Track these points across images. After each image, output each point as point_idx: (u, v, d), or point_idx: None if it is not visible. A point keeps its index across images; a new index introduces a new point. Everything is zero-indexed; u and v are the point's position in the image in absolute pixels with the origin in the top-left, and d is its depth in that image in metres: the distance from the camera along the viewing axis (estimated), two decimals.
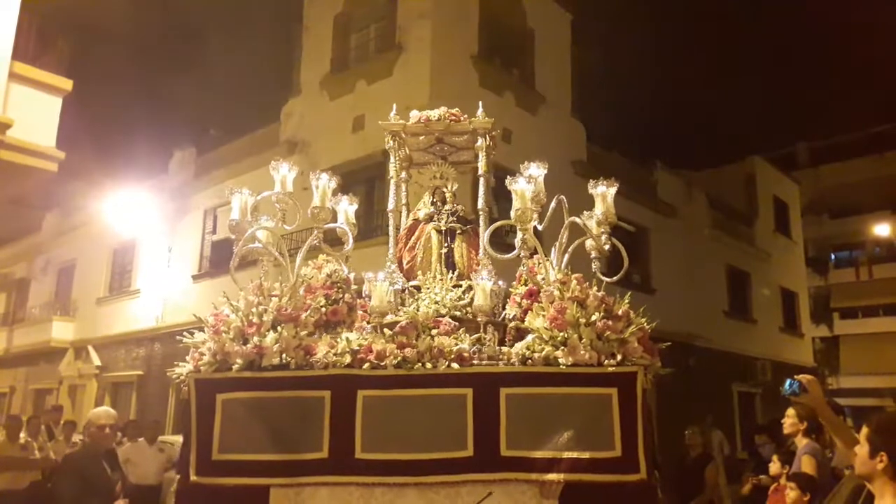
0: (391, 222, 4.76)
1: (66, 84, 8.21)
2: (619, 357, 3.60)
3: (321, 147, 14.59)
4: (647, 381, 3.63)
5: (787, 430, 5.61)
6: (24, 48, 7.88)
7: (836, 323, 29.82)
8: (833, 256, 31.29)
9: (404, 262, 4.70)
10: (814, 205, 28.97)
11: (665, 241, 18.38)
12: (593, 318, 3.66)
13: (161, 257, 18.12)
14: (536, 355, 3.63)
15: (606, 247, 4.01)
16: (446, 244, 4.67)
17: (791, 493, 4.91)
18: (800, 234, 26.61)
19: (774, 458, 6.04)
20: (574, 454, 3.47)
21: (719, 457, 11.41)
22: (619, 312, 3.73)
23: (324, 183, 4.06)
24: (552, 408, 3.57)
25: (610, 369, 3.57)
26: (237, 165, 15.31)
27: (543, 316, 3.76)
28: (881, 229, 24.68)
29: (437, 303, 4.25)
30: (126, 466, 8.14)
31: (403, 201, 5.21)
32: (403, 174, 5.16)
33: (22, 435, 9.11)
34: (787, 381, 3.34)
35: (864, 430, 2.75)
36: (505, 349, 3.76)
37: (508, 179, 4.03)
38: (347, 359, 3.69)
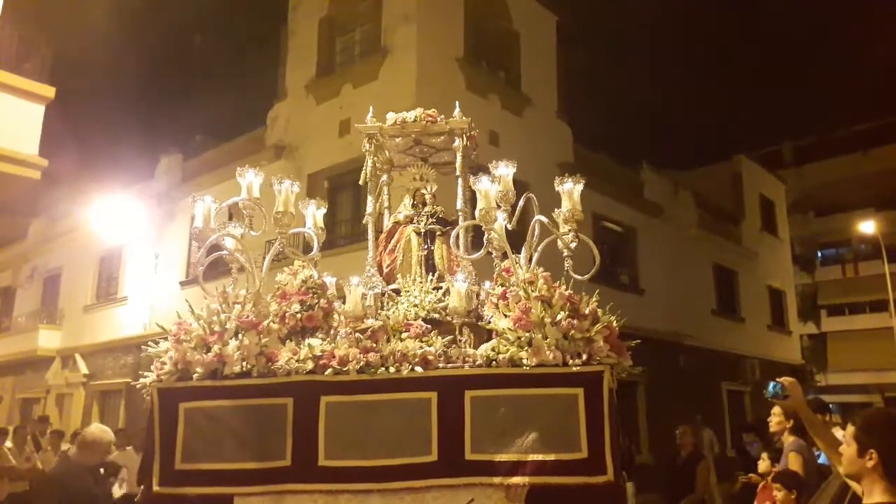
0: (370, 226, 4.74)
1: (49, 91, 8.14)
2: (584, 356, 3.55)
3: (308, 151, 14.57)
4: (614, 380, 3.57)
5: (773, 428, 5.64)
6: (6, 55, 7.82)
7: (823, 320, 30.05)
8: (819, 254, 31.53)
9: (384, 265, 4.67)
10: (800, 203, 29.20)
11: (652, 240, 18.46)
12: (559, 317, 3.60)
13: (148, 264, 18.01)
14: (501, 356, 3.58)
15: (573, 244, 3.95)
16: (426, 246, 4.64)
17: (778, 494, 4.93)
18: (786, 233, 26.78)
19: (763, 456, 6.07)
20: (539, 456, 3.42)
21: (710, 455, 11.44)
22: (586, 311, 3.67)
23: (286, 188, 4.05)
24: (517, 410, 3.52)
25: (575, 369, 3.52)
26: (224, 170, 15.21)
27: (508, 316, 3.72)
28: (866, 226, 24.82)
29: (415, 306, 4.22)
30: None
31: (386, 204, 5.20)
32: (385, 177, 5.16)
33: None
34: (770, 384, 3.36)
35: (850, 428, 2.72)
36: (470, 351, 3.71)
37: (472, 179, 4.00)
38: (310, 365, 3.65)
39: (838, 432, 5.15)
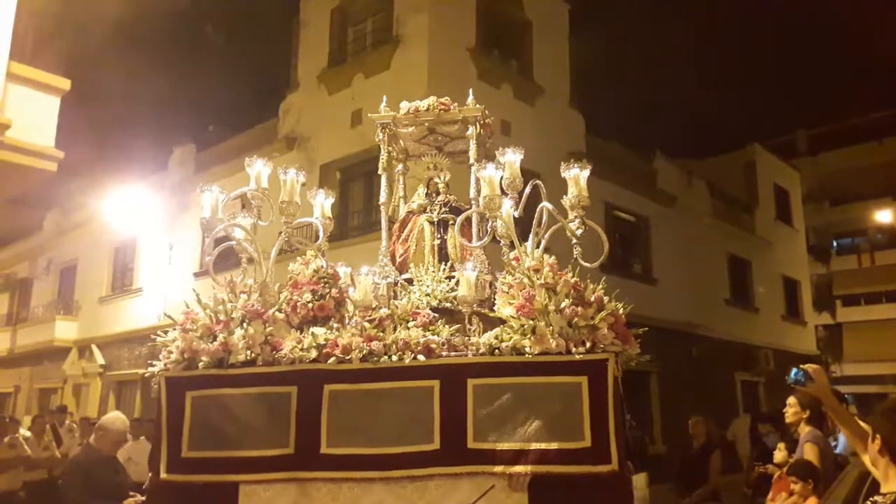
0: (383, 215, 4.75)
1: (64, 83, 8.17)
2: (588, 344, 3.50)
3: (320, 142, 14.59)
4: (619, 368, 3.53)
5: (789, 418, 5.62)
6: (22, 48, 7.85)
7: (838, 310, 29.75)
8: (835, 244, 31.22)
9: (398, 255, 4.68)
10: (814, 192, 28.90)
11: (666, 230, 18.36)
12: (563, 304, 3.56)
13: (162, 255, 18.13)
14: (504, 345, 3.55)
15: (579, 231, 3.90)
16: (439, 235, 4.64)
17: (795, 486, 4.92)
18: (801, 222, 26.54)
19: (780, 446, 6.05)
20: (542, 445, 3.39)
21: (747, 441, 11.28)
22: (592, 298, 3.62)
23: (291, 177, 4.06)
24: (520, 398, 3.49)
25: (578, 357, 3.48)
26: (236, 161, 15.21)
27: (512, 304, 3.69)
28: (882, 216, 24.63)
29: (427, 295, 4.22)
30: (128, 465, 8.20)
31: (401, 194, 5.19)
32: (400, 167, 5.16)
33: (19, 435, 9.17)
34: (793, 370, 3.31)
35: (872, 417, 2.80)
36: (473, 339, 3.69)
37: (476, 166, 3.97)
38: (313, 353, 3.67)
39: (860, 423, 5.13)
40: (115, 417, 5.73)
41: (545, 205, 4.01)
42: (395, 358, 3.62)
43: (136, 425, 10.38)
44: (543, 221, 4.04)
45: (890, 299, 28.57)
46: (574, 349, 3.50)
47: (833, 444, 5.79)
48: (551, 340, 3.50)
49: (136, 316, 18.66)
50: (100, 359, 19.59)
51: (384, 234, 4.71)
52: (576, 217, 3.91)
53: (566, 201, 3.99)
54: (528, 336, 3.54)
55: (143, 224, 18.01)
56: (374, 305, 3.91)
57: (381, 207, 4.78)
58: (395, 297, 4.28)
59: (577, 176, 3.95)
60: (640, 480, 8.93)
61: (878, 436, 2.64)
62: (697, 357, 18.13)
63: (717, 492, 8.28)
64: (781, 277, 24.17)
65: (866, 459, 2.86)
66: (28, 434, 9.66)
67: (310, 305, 4.03)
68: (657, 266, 17.95)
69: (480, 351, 3.61)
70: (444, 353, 3.64)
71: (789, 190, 25.98)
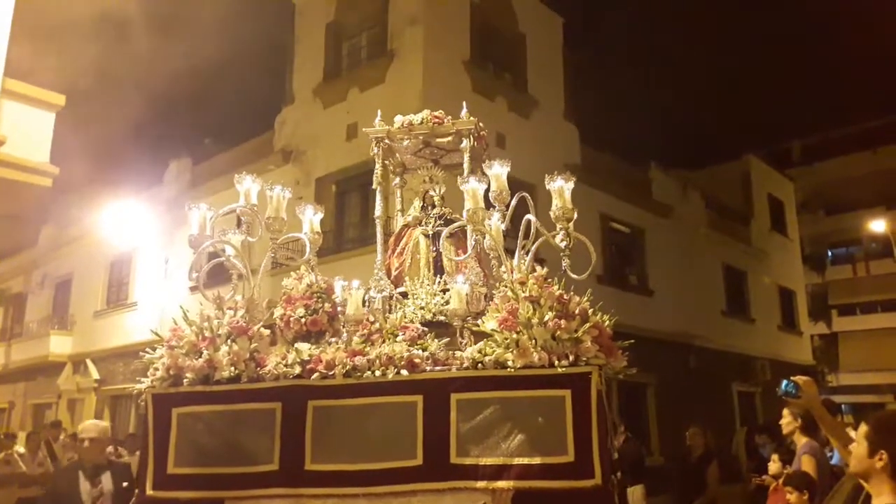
0: (378, 229, 4.76)
1: (59, 99, 8.18)
2: (571, 357, 3.47)
3: (316, 155, 14.62)
4: (602, 381, 3.48)
5: (785, 430, 5.62)
6: (16, 64, 7.87)
7: (834, 320, 29.80)
8: (830, 253, 31.30)
9: (393, 268, 4.67)
10: (809, 202, 29.04)
11: (661, 241, 18.41)
12: (546, 317, 3.53)
13: (158, 269, 18.10)
14: (488, 359, 3.53)
15: (563, 244, 3.87)
16: (434, 248, 4.61)
17: (791, 497, 4.91)
18: (796, 232, 26.65)
19: (774, 457, 6.05)
20: (524, 460, 3.36)
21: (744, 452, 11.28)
22: (577, 311, 3.57)
23: (277, 193, 4.07)
24: (503, 412, 3.46)
25: (561, 370, 3.45)
26: (233, 175, 15.26)
27: (496, 318, 3.66)
28: (877, 225, 24.70)
29: (422, 308, 4.22)
30: None
31: (398, 207, 5.20)
32: (398, 180, 5.17)
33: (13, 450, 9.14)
34: (783, 383, 3.33)
35: (863, 428, 2.74)
36: (457, 353, 3.66)
37: (459, 179, 3.97)
38: (297, 370, 3.67)
39: (851, 433, 5.13)
40: (85, 423, 5.66)
41: (529, 217, 3.98)
42: (378, 373, 3.60)
43: (131, 441, 10.34)
44: (531, 234, 4.01)
45: (885, 308, 28.62)
46: (557, 362, 3.47)
47: (829, 454, 5.78)
48: (534, 354, 3.47)
49: (131, 330, 18.59)
50: (94, 373, 19.51)
51: (380, 247, 4.71)
52: (561, 229, 3.88)
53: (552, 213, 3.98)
54: (512, 349, 3.51)
55: (139, 238, 17.99)
56: (370, 320, 3.90)
57: (377, 221, 4.78)
58: (391, 311, 4.27)
59: (561, 188, 3.92)
60: (637, 492, 8.93)
61: (882, 452, 2.61)
62: (694, 368, 18.14)
63: (715, 502, 8.27)
64: (777, 287, 24.22)
65: (851, 468, 2.85)
66: (23, 450, 9.62)
67: (303, 320, 4.02)
68: (653, 277, 17.98)
69: (464, 365, 3.58)
70: (428, 368, 3.62)
71: (784, 200, 26.09)
